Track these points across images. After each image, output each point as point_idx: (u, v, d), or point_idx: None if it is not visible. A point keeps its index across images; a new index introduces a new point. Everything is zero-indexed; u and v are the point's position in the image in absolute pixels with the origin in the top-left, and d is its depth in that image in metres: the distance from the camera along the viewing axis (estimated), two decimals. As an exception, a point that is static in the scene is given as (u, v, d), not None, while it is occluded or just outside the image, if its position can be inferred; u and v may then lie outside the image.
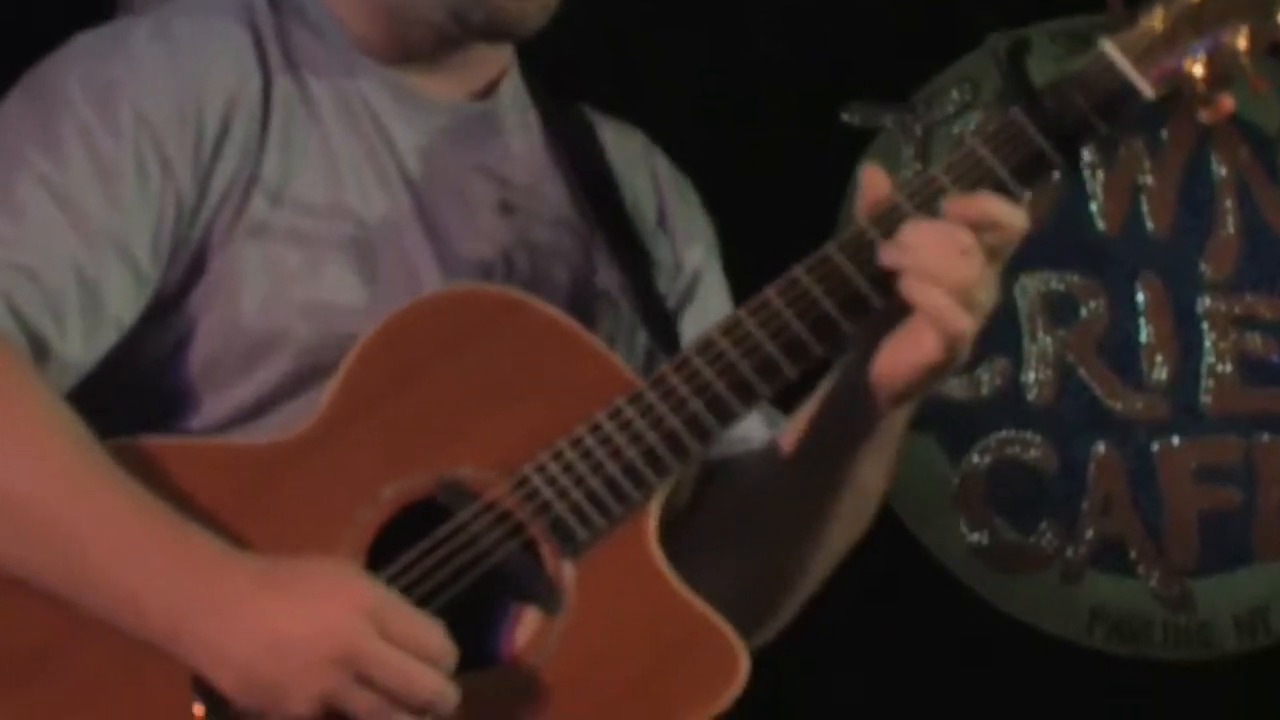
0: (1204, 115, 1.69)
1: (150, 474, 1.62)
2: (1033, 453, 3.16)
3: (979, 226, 1.65)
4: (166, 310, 1.72)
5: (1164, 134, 3.18)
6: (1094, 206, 3.18)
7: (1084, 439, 3.17)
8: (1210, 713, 3.13)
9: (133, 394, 1.72)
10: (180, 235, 1.72)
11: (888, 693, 3.04)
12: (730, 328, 1.68)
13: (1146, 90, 1.68)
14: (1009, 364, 3.16)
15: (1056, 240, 3.14)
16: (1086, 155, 3.17)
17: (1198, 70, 1.68)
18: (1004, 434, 3.16)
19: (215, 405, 1.72)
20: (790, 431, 1.79)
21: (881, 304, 1.67)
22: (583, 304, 1.80)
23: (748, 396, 1.67)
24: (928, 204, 1.67)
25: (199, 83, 1.72)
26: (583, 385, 1.67)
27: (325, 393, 1.67)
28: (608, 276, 1.85)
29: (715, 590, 1.66)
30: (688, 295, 1.90)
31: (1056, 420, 3.16)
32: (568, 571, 1.64)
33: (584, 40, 2.06)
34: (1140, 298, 3.19)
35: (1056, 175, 1.67)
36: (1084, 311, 3.18)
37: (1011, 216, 1.66)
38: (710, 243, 1.93)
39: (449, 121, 1.82)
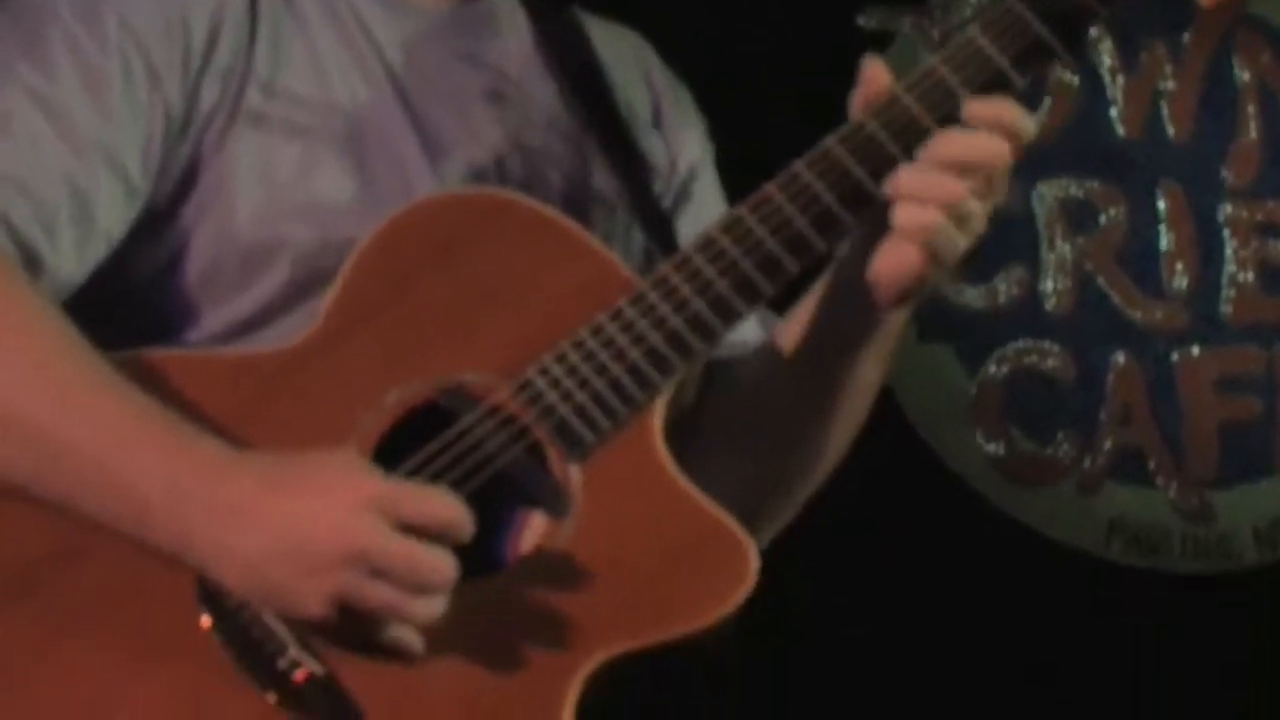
0: None
1: (152, 386, 1.61)
2: (1050, 362, 3.14)
3: (1007, 133, 1.63)
4: (158, 224, 1.71)
5: (1185, 38, 3.14)
6: (1114, 112, 3.15)
7: (1102, 349, 3.14)
8: (1229, 625, 3.12)
9: (129, 309, 1.71)
10: (169, 148, 1.71)
11: (902, 604, 3.03)
12: (730, 225, 1.66)
13: (1143, -35, 1.66)
14: (1027, 273, 3.14)
15: (1076, 146, 3.12)
16: (1107, 60, 3.13)
17: (1194, -54, 1.66)
18: (1021, 344, 3.14)
19: (213, 319, 1.71)
20: (788, 329, 1.78)
21: (882, 198, 1.66)
22: (578, 207, 1.79)
23: (750, 294, 1.65)
24: (927, 95, 1.65)
25: None
26: (583, 286, 1.66)
27: (324, 302, 1.65)
28: (602, 179, 1.83)
29: (720, 492, 1.65)
30: (683, 195, 1.88)
31: (1075, 329, 3.14)
32: (574, 475, 1.63)
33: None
34: (1161, 205, 3.16)
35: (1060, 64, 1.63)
36: (1103, 219, 3.15)
37: (1026, 124, 1.64)
38: (705, 143, 1.92)
39: (436, 25, 1.80)
